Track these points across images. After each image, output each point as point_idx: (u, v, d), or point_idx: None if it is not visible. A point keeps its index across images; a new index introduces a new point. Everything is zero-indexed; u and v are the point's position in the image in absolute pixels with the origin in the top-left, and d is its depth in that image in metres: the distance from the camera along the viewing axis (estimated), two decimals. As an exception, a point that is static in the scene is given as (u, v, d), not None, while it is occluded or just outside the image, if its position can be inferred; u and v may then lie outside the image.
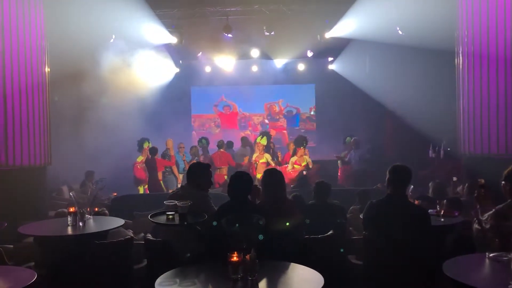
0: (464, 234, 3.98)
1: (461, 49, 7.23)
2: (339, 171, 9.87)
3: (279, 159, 9.84)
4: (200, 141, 10.55)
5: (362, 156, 9.67)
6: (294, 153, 9.34)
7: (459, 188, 6.98)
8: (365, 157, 9.67)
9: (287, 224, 3.70)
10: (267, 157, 9.42)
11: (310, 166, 9.21)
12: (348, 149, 10.03)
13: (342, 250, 4.09)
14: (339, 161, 9.92)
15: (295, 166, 9.15)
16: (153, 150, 9.63)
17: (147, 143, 9.85)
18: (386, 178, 3.66)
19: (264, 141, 9.62)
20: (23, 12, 6.86)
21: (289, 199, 4.36)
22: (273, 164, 9.22)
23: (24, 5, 6.89)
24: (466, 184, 6.13)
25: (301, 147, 9.23)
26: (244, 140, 10.63)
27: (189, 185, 4.25)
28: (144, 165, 9.75)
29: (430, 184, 6.01)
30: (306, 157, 9.30)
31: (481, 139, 6.90)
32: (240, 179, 3.70)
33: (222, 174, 9.40)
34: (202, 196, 4.09)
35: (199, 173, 4.21)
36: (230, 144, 10.37)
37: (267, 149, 9.64)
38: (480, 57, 6.86)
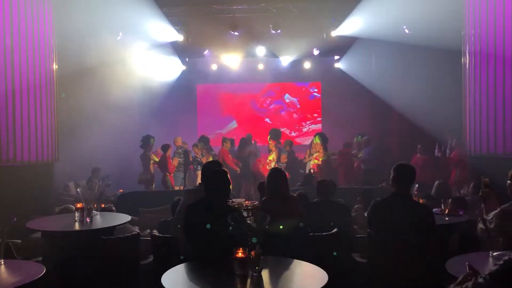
0: (469, 233, 3.99)
1: (468, 48, 7.21)
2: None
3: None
4: (200, 141, 10.41)
5: (370, 155, 9.65)
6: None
7: (464, 188, 6.98)
8: (366, 157, 9.67)
9: (290, 220, 3.71)
10: (274, 156, 9.29)
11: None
12: (358, 148, 10.01)
13: (335, 254, 4.09)
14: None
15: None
16: (166, 147, 9.54)
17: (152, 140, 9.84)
18: (391, 177, 3.67)
19: (269, 140, 9.53)
20: (31, 9, 6.91)
21: (292, 197, 4.40)
22: (272, 165, 9.04)
23: (33, 2, 6.94)
24: (471, 184, 6.12)
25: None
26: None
27: None
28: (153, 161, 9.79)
29: (435, 183, 6.01)
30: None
31: (487, 139, 6.88)
32: (214, 178, 3.54)
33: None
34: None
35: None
36: (232, 142, 10.28)
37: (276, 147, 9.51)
38: (487, 56, 6.84)
